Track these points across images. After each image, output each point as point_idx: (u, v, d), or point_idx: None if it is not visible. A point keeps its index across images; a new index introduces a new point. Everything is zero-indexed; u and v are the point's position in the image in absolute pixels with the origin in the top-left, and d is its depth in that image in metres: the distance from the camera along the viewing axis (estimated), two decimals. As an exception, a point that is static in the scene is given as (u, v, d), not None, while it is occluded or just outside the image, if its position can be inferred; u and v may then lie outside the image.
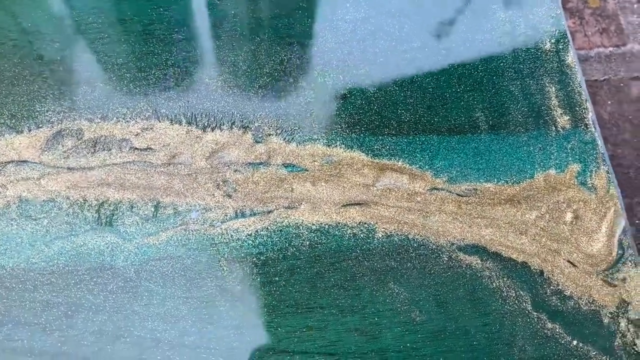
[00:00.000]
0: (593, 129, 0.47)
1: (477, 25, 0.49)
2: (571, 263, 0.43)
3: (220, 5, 0.47)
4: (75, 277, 0.40)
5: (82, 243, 0.40)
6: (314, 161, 0.44)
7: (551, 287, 0.43)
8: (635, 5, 0.53)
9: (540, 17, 0.50)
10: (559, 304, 0.42)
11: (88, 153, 0.43)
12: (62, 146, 0.43)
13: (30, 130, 0.43)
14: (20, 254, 0.40)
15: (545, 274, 0.43)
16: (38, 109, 0.43)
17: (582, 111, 0.47)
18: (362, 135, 0.45)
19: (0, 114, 0.43)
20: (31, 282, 0.39)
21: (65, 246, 0.40)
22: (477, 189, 0.44)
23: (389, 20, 0.49)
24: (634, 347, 0.42)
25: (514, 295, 0.42)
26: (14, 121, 0.43)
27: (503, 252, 0.43)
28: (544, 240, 0.44)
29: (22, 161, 0.42)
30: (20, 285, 0.39)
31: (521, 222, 0.44)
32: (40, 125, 0.43)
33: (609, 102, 0.52)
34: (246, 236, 0.42)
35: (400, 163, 0.44)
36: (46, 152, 0.42)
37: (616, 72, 0.53)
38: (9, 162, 0.42)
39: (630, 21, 0.53)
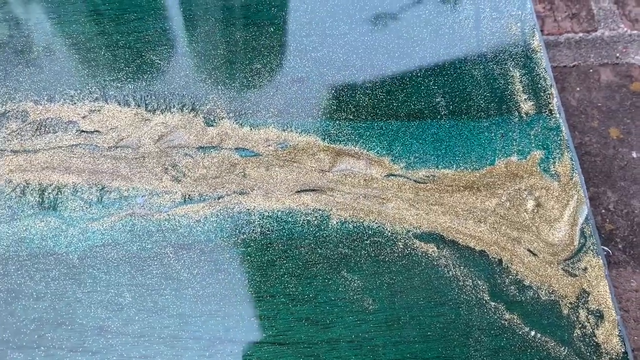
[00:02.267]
0: (557, 115, 0.45)
1: (440, 7, 0.47)
2: (531, 252, 0.42)
3: (173, -16, 0.46)
4: (16, 263, 0.39)
5: (24, 228, 0.39)
6: (268, 145, 0.43)
7: (510, 277, 0.41)
8: (608, -9, 0.52)
9: (505, 0, 0.48)
10: (517, 293, 0.41)
11: (33, 135, 0.41)
12: (6, 128, 0.41)
13: (-27, 112, 0.41)
14: (-42, 239, 0.39)
15: (504, 263, 0.42)
16: (-18, 90, 0.42)
17: (546, 97, 0.46)
18: (318, 119, 0.44)
19: (-58, 94, 0.42)
20: (-31, 268, 0.38)
21: (6, 231, 0.39)
22: (435, 176, 0.43)
23: (348, 2, 0.47)
24: (593, 338, 0.40)
25: (470, 284, 0.41)
26: (-44, 102, 0.41)
27: (460, 240, 0.42)
28: (503, 228, 0.43)
29: (-37, 143, 0.41)
30: (-43, 271, 0.38)
31: (480, 210, 0.43)
32: (-16, 107, 0.42)
33: (578, 89, 0.51)
34: (195, 222, 0.40)
35: (357, 148, 0.43)
36: (-11, 135, 0.41)
37: (586, 58, 0.52)
38: (-51, 145, 0.41)
39: (602, 7, 0.52)
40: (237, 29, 0.45)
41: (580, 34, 0.52)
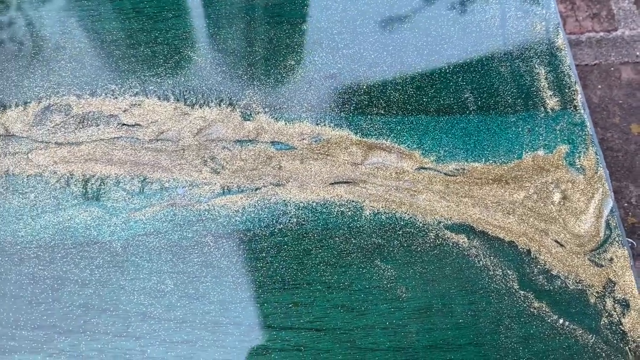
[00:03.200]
0: (582, 111, 0.47)
1: (467, 7, 0.49)
2: (558, 243, 0.43)
3: (210, -17, 0.47)
4: (61, 250, 0.40)
5: (68, 217, 0.40)
6: (303, 139, 0.44)
7: (538, 267, 0.43)
8: (627, -9, 0.53)
9: (530, 0, 0.50)
10: (545, 283, 0.42)
11: (76, 128, 0.43)
12: (50, 121, 0.43)
13: (18, 105, 0.43)
14: (6, 227, 0.40)
15: (532, 254, 0.43)
16: (26, 85, 0.43)
17: (571, 93, 0.47)
18: (350, 114, 0.45)
19: (-12, 89, 0.43)
20: (17, 255, 0.39)
21: (51, 220, 0.40)
22: (465, 169, 0.44)
23: (379, 1, 0.49)
24: (620, 326, 0.42)
25: (500, 273, 0.42)
26: (1, 96, 0.43)
27: (490, 231, 0.43)
28: (531, 220, 0.44)
29: (9, 135, 0.42)
30: (6, 259, 0.39)
31: (509, 202, 0.44)
32: (29, 101, 0.43)
33: (599, 87, 0.52)
34: (233, 212, 0.42)
35: (388, 142, 0.44)
36: (34, 127, 0.42)
37: (607, 57, 0.53)
38: (-4, 137, 0.42)
39: (622, 7, 0.54)
40: (272, 26, 0.47)
41: (601, 33, 0.53)
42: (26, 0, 0.45)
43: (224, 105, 0.44)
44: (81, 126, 0.43)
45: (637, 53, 0.53)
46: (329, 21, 0.47)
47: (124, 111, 0.43)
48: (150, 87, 0.44)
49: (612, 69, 0.52)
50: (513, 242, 0.43)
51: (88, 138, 0.42)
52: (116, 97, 0.43)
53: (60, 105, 0.43)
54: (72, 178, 0.41)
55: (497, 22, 0.49)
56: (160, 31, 0.45)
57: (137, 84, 0.44)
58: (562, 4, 0.54)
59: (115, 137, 0.43)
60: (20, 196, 0.41)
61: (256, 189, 0.43)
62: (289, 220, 0.42)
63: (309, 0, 0.48)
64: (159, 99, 0.44)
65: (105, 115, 0.43)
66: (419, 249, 0.42)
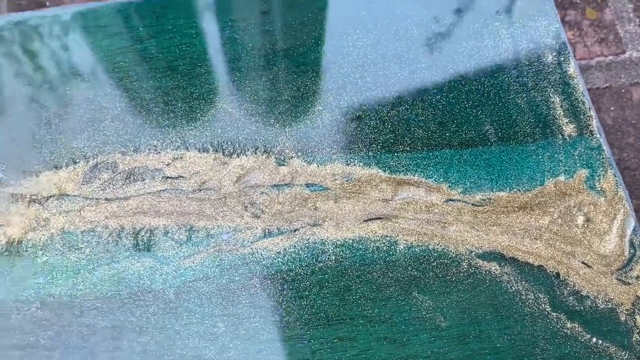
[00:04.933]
0: (598, 136, 0.49)
1: (481, 43, 0.52)
2: (586, 264, 0.45)
3: (238, 39, 0.50)
4: (118, 301, 0.42)
5: (122, 269, 0.43)
6: (335, 180, 0.47)
7: (568, 288, 0.45)
8: (632, 14, 0.56)
9: (540, 32, 0.52)
10: (576, 304, 0.44)
11: (123, 184, 0.45)
12: (99, 179, 0.45)
13: (68, 166, 0.46)
14: (66, 282, 0.43)
15: (561, 276, 0.45)
16: (74, 145, 0.46)
17: (586, 119, 0.49)
18: (378, 153, 0.48)
19: (40, 151, 0.46)
20: (77, 308, 0.42)
21: (107, 272, 0.43)
22: (491, 198, 0.47)
23: (397, 43, 0.51)
24: (652, 341, 0.43)
25: (532, 297, 0.44)
26: (52, 157, 0.46)
27: (520, 257, 0.45)
28: (558, 243, 0.46)
29: (62, 195, 0.45)
30: (67, 312, 0.42)
31: (535, 228, 0.46)
32: (78, 160, 0.46)
33: (612, 108, 0.54)
34: (275, 254, 0.44)
35: (416, 177, 0.47)
36: (84, 185, 0.45)
37: (617, 79, 0.55)
38: (50, 197, 0.45)
39: (628, 30, 0.56)
40: (298, 75, 0.50)
41: (610, 57, 0.56)
42: (69, 65, 0.49)
43: (259, 153, 0.47)
44: (128, 182, 0.45)
45: (646, 74, 0.55)
46: (351, 66, 0.50)
47: (167, 165, 0.46)
48: (190, 141, 0.47)
49: (623, 90, 0.54)
50: (542, 266, 0.45)
51: (135, 192, 0.45)
52: (159, 152, 0.46)
53: (107, 163, 0.46)
54: (123, 231, 0.44)
55: (510, 55, 0.51)
56: (195, 87, 0.48)
57: (178, 138, 0.47)
58: (570, 31, 0.57)
59: (160, 190, 0.45)
60: (77, 251, 0.43)
61: (295, 230, 0.45)
62: (328, 258, 0.44)
63: (331, 49, 0.51)
64: (199, 151, 0.47)
65: (149, 169, 0.46)
66: (454, 278, 0.44)
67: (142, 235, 0.44)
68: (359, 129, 0.48)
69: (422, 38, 0.52)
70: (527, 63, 0.51)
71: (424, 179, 0.47)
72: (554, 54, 0.52)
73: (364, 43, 0.51)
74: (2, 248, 0.43)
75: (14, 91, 0.48)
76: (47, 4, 0.53)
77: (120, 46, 0.50)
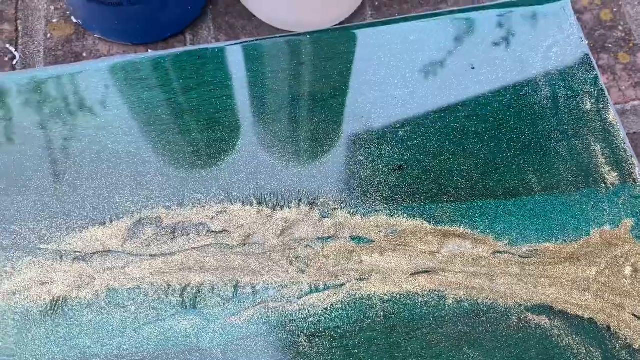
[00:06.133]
0: (641, 183, 0.49)
1: (520, 93, 0.52)
2: (636, 316, 0.45)
3: (279, 90, 0.51)
4: (164, 360, 0.42)
5: (169, 327, 0.42)
6: (379, 232, 0.46)
7: (620, 342, 0.44)
8: (663, 57, 0.56)
9: (578, 79, 0.52)
10: (629, 357, 0.43)
11: (168, 239, 0.45)
12: (143, 234, 0.45)
13: (112, 221, 0.45)
14: (111, 341, 0.42)
15: (612, 329, 0.44)
16: (117, 200, 0.46)
17: (629, 167, 0.49)
18: (422, 203, 0.47)
19: (82, 207, 0.46)
20: (124, 368, 0.41)
21: (153, 331, 0.42)
22: (537, 250, 0.46)
23: (436, 92, 0.51)
24: None
25: (584, 351, 0.43)
26: (96, 213, 0.46)
27: (569, 309, 0.45)
28: (606, 295, 0.45)
29: (106, 251, 0.45)
30: (114, 373, 0.41)
31: (583, 279, 0.46)
32: (121, 216, 0.46)
33: (650, 153, 0.54)
34: (322, 310, 0.43)
35: (462, 229, 0.47)
36: (128, 241, 0.45)
37: (653, 123, 0.55)
38: (94, 253, 0.44)
39: (660, 73, 0.56)
40: (339, 125, 0.50)
41: (645, 101, 0.56)
42: (110, 120, 0.49)
43: (303, 205, 0.47)
44: (172, 237, 0.45)
45: (682, 117, 0.55)
46: (390, 117, 0.50)
47: (211, 219, 0.46)
48: (234, 193, 0.47)
49: (660, 135, 0.54)
50: (592, 319, 0.45)
51: (180, 248, 0.45)
52: (203, 206, 0.46)
53: (151, 218, 0.46)
54: (169, 288, 0.44)
55: (549, 104, 0.51)
56: (238, 139, 0.48)
57: (221, 191, 0.47)
58: (604, 76, 0.57)
59: (205, 245, 0.45)
60: (122, 310, 0.43)
61: (341, 285, 0.45)
62: (376, 314, 0.44)
63: (370, 99, 0.51)
64: (243, 203, 0.46)
65: (194, 224, 0.46)
66: (504, 333, 0.44)
67: (188, 292, 0.44)
68: (401, 179, 0.48)
69: (461, 87, 0.52)
70: (566, 111, 0.51)
71: (470, 230, 0.47)
72: (592, 101, 0.52)
73: (402, 92, 0.52)
74: (47, 307, 0.43)
75: (56, 146, 0.48)
76: (84, 55, 0.53)
77: (161, 99, 0.50)
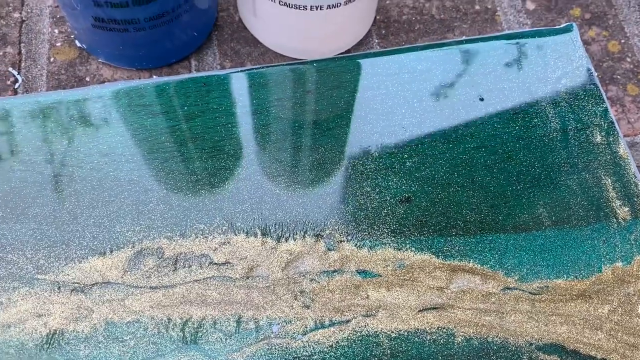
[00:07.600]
0: (653, 218, 0.48)
1: (530, 125, 0.51)
2: (650, 357, 0.43)
3: (285, 118, 0.50)
4: (163, 399, 0.40)
5: (168, 363, 0.41)
6: (387, 266, 0.45)
7: (634, 383, 0.43)
8: (671, 90, 0.55)
9: (588, 112, 0.52)
10: (643, 400, 0.42)
11: (170, 271, 0.44)
12: (144, 265, 0.44)
13: (112, 252, 0.44)
14: (108, 378, 0.40)
15: (626, 370, 0.43)
16: (118, 230, 0.45)
17: (640, 201, 0.48)
18: (430, 236, 0.46)
19: (82, 237, 0.45)
20: (121, 407, 0.40)
21: (152, 367, 0.41)
22: (548, 286, 0.45)
23: (444, 123, 0.51)
24: None
25: (597, 394, 0.42)
26: (95, 243, 0.44)
27: (581, 349, 0.43)
28: (619, 334, 0.44)
29: (105, 282, 0.43)
30: (110, 411, 0.40)
31: (595, 317, 0.44)
32: (122, 246, 0.44)
33: (660, 187, 0.53)
34: (328, 348, 0.42)
35: (471, 264, 0.45)
36: (128, 273, 0.44)
37: (663, 156, 0.54)
38: (93, 285, 0.43)
39: (669, 105, 0.56)
40: (344, 155, 0.49)
41: (654, 134, 0.55)
42: (112, 147, 0.48)
43: (308, 237, 0.46)
44: (174, 268, 0.44)
45: (692, 151, 0.54)
46: (397, 147, 0.49)
47: (214, 250, 0.45)
48: (238, 224, 0.45)
49: (670, 168, 0.53)
50: (605, 359, 0.43)
51: (181, 280, 0.43)
52: (206, 237, 0.45)
53: (152, 248, 0.44)
54: (169, 322, 0.42)
55: (559, 136, 0.51)
56: (242, 167, 0.47)
57: (225, 221, 0.45)
58: (612, 108, 0.57)
59: (207, 277, 0.44)
60: (121, 344, 0.41)
61: (347, 321, 0.43)
62: (383, 352, 0.42)
63: (377, 129, 0.50)
64: (247, 234, 0.45)
65: (196, 255, 0.44)
66: (515, 373, 0.42)
67: (189, 327, 0.42)
68: (409, 211, 0.47)
69: (469, 117, 0.51)
70: (576, 143, 0.51)
71: (479, 265, 0.45)
72: (602, 133, 0.51)
73: (410, 122, 0.51)
74: (43, 340, 0.41)
75: (55, 172, 0.47)
76: (87, 79, 0.52)
77: (165, 125, 0.49)
